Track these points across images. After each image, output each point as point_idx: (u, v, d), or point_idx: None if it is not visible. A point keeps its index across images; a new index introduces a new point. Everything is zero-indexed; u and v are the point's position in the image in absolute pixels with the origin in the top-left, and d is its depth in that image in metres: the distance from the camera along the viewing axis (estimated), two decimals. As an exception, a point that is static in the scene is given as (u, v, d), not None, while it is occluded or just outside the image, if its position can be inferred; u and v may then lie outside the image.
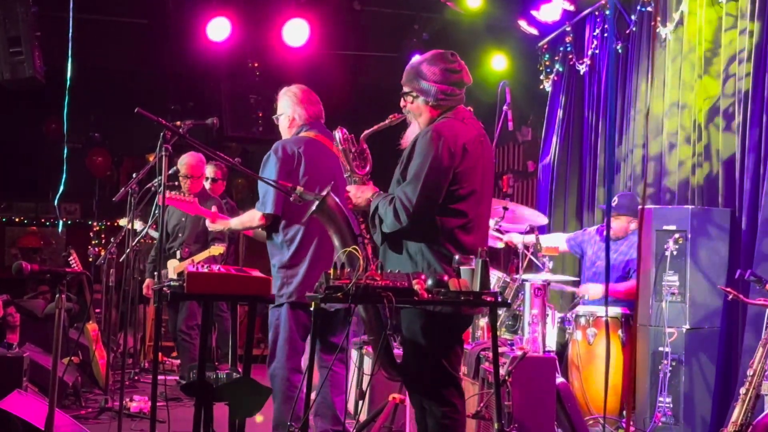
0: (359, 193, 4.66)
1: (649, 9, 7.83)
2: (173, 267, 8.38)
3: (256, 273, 4.79)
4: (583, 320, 6.84)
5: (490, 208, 4.88)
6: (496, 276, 6.60)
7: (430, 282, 4.26)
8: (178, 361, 9.46)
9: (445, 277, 4.28)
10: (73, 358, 8.11)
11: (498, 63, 10.48)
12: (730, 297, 5.43)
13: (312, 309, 4.31)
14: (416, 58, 4.84)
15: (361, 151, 4.78)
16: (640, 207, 7.03)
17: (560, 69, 9.79)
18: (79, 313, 10.03)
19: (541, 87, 10.20)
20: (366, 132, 4.78)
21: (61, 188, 9.46)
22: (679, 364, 6.32)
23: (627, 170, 8.23)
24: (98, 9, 10.56)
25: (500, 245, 7.55)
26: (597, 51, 8.91)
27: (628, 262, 7.29)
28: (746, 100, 6.40)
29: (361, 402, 6.62)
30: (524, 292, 6.22)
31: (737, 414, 5.06)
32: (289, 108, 5.93)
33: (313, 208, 4.75)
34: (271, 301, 4.87)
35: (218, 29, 10.45)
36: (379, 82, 11.64)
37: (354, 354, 7.34)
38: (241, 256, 10.48)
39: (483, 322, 6.55)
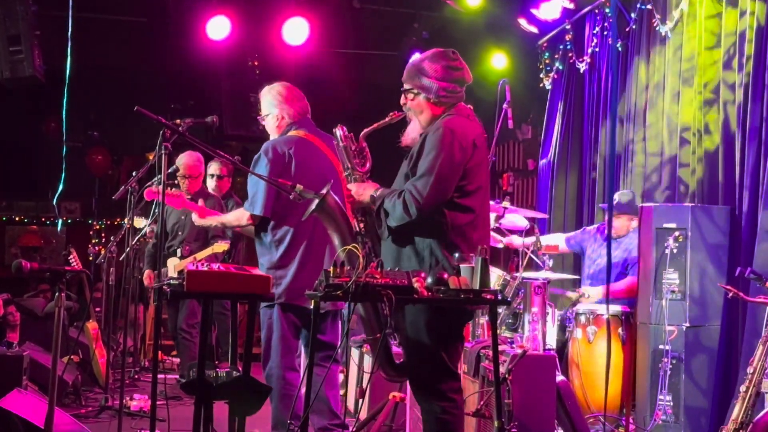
0: (361, 190, 4.67)
1: (648, 6, 7.83)
2: (174, 265, 8.36)
3: (256, 271, 4.79)
4: (583, 318, 6.84)
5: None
6: (496, 274, 6.59)
7: (429, 280, 4.27)
8: (178, 360, 9.45)
9: (445, 275, 4.29)
10: (73, 356, 8.11)
11: (498, 61, 10.48)
12: (730, 295, 5.42)
13: (312, 307, 4.31)
14: (417, 56, 4.86)
15: (361, 150, 4.79)
16: (640, 205, 7.03)
17: (560, 67, 9.79)
18: (79, 312, 10.02)
19: (541, 85, 10.20)
20: (366, 130, 4.78)
21: (61, 187, 9.46)
22: (679, 362, 6.32)
23: (627, 168, 8.22)
24: (98, 8, 10.56)
25: (500, 246, 7.55)
26: (597, 49, 8.90)
27: (626, 260, 7.29)
28: (746, 98, 6.40)
29: (361, 400, 6.63)
30: (524, 290, 6.22)
31: (737, 412, 5.06)
32: (275, 107, 5.89)
33: (313, 206, 4.75)
34: (271, 299, 4.88)
35: (218, 28, 10.46)
36: (378, 81, 11.65)
37: (354, 352, 7.35)
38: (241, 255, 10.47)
39: (483, 320, 6.55)
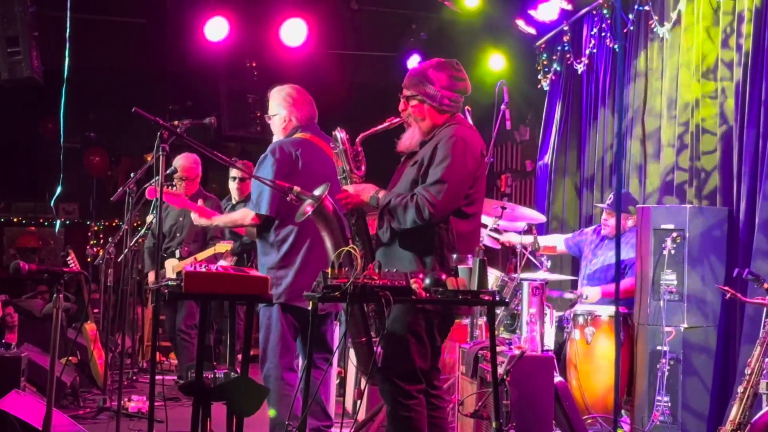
0: (359, 191, 4.67)
1: (646, 8, 7.83)
2: (172, 266, 8.37)
3: (254, 272, 4.79)
4: (581, 319, 6.84)
5: None
6: (494, 275, 6.60)
7: (427, 281, 4.27)
8: (176, 361, 9.45)
9: (443, 276, 4.30)
10: (71, 357, 8.11)
11: (496, 62, 10.48)
12: (728, 296, 5.43)
13: (310, 308, 4.32)
14: (419, 64, 4.90)
15: (356, 154, 4.81)
16: (638, 206, 7.04)
17: (558, 68, 9.79)
18: (77, 313, 10.02)
19: (539, 86, 10.20)
20: (363, 134, 4.80)
21: (59, 188, 9.46)
22: (677, 363, 6.32)
23: (624, 169, 8.22)
24: (96, 8, 10.56)
25: (498, 244, 7.56)
26: (595, 50, 8.91)
27: (623, 260, 7.29)
28: (743, 99, 6.40)
29: (359, 402, 6.63)
30: (522, 291, 6.22)
31: (735, 412, 5.07)
32: (283, 109, 5.89)
33: (310, 210, 4.76)
34: (269, 301, 4.88)
35: (216, 29, 10.45)
36: (376, 82, 11.67)
37: (353, 354, 7.34)
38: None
39: (481, 321, 6.55)
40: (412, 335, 4.53)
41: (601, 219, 7.69)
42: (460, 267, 4.36)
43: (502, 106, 6.90)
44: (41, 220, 16.40)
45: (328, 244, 4.80)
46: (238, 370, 4.81)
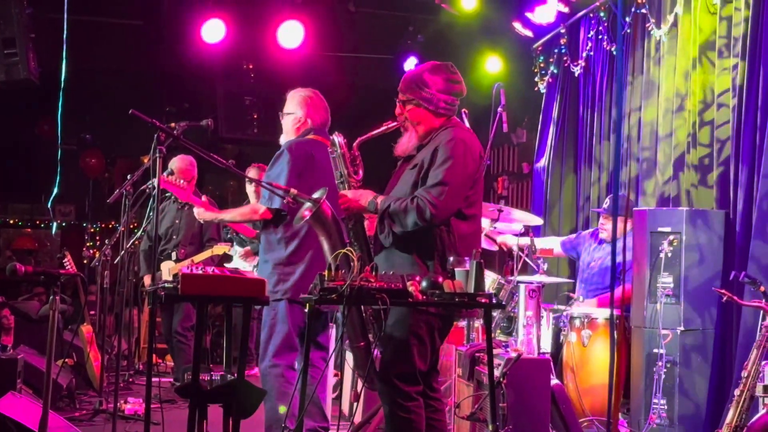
0: (357, 197, 4.67)
1: (643, 11, 7.84)
2: (168, 269, 8.36)
3: (251, 274, 4.78)
4: (577, 322, 6.84)
5: None
6: (490, 278, 6.60)
7: (424, 284, 4.27)
8: (173, 363, 9.44)
9: (440, 279, 4.30)
10: (67, 360, 8.10)
11: (493, 65, 10.49)
12: (725, 299, 5.43)
13: (307, 311, 4.31)
14: (415, 67, 4.90)
15: (354, 158, 4.81)
16: (635, 209, 7.04)
17: (555, 71, 9.80)
18: (74, 315, 10.01)
19: (536, 89, 10.20)
20: (360, 138, 4.79)
21: (55, 190, 9.45)
22: (674, 366, 6.32)
23: (622, 172, 8.23)
24: (93, 10, 10.55)
25: (495, 248, 7.56)
26: (591, 53, 8.92)
27: (620, 264, 7.28)
28: (740, 103, 6.41)
29: (356, 404, 6.63)
30: (519, 294, 6.23)
31: (732, 416, 5.06)
32: (301, 109, 5.90)
33: (309, 215, 4.76)
34: (265, 303, 4.87)
35: (213, 31, 10.44)
36: (373, 84, 11.66)
37: (349, 356, 7.34)
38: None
39: (478, 323, 6.55)
40: (414, 337, 4.52)
41: (598, 223, 7.69)
42: (456, 269, 4.36)
43: (499, 109, 6.89)
44: (37, 222, 16.40)
45: (326, 248, 4.80)
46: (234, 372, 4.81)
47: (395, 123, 4.78)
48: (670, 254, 6.41)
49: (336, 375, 7.52)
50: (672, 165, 7.27)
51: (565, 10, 9.11)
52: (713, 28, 6.86)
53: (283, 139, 5.96)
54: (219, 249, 8.25)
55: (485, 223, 6.93)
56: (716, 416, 6.18)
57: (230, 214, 6.30)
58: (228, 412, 4.68)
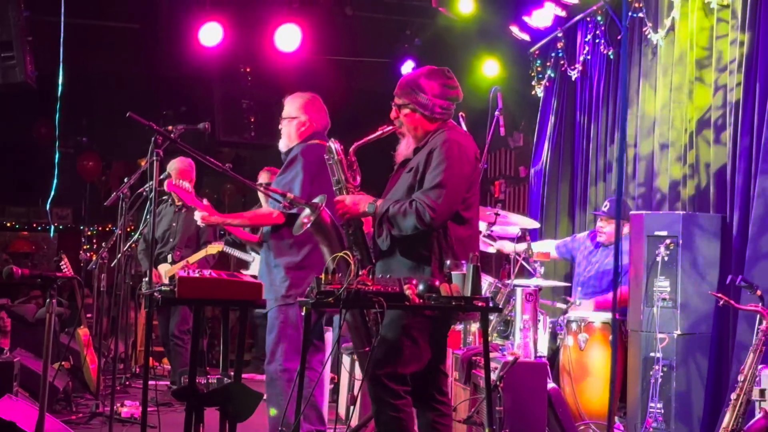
0: (355, 201, 4.67)
1: (640, 15, 7.84)
2: (165, 271, 8.36)
3: (248, 278, 4.79)
4: (574, 326, 6.85)
5: None
6: (487, 281, 6.60)
7: (421, 287, 4.27)
8: (169, 366, 9.44)
9: (437, 282, 4.30)
10: (64, 363, 8.09)
11: (490, 68, 10.49)
12: (721, 303, 5.43)
13: (304, 314, 4.32)
14: (410, 72, 4.90)
15: (350, 164, 4.81)
16: (632, 212, 7.04)
17: (552, 75, 9.81)
18: (70, 318, 10.00)
19: (533, 93, 10.21)
20: (356, 144, 4.80)
21: (53, 193, 9.44)
22: (671, 370, 6.32)
23: (618, 176, 8.22)
24: (90, 14, 10.54)
25: (491, 250, 7.56)
26: (588, 57, 8.92)
27: (618, 267, 7.28)
28: (737, 105, 6.41)
29: (352, 407, 6.63)
30: (515, 298, 6.23)
31: (728, 419, 5.07)
32: (304, 114, 5.88)
33: (308, 221, 4.76)
34: (262, 306, 4.87)
35: (210, 34, 10.44)
36: (371, 88, 11.66)
37: (346, 359, 7.35)
38: (232, 262, 10.45)
39: (474, 327, 6.55)
40: (408, 338, 4.53)
41: (596, 226, 7.69)
42: (453, 273, 4.36)
43: (496, 113, 6.90)
44: (34, 225, 16.39)
45: (326, 255, 4.79)
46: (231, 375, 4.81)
47: (391, 127, 4.79)
48: (666, 258, 6.41)
49: (333, 378, 7.52)
50: (669, 168, 7.27)
51: (562, 14, 9.12)
52: (711, 31, 6.87)
53: (285, 145, 5.92)
54: (213, 249, 8.25)
55: (482, 226, 6.94)
56: (713, 420, 6.18)
57: (238, 219, 6.20)
58: (224, 416, 4.69)
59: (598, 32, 8.65)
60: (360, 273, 4.26)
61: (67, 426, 6.22)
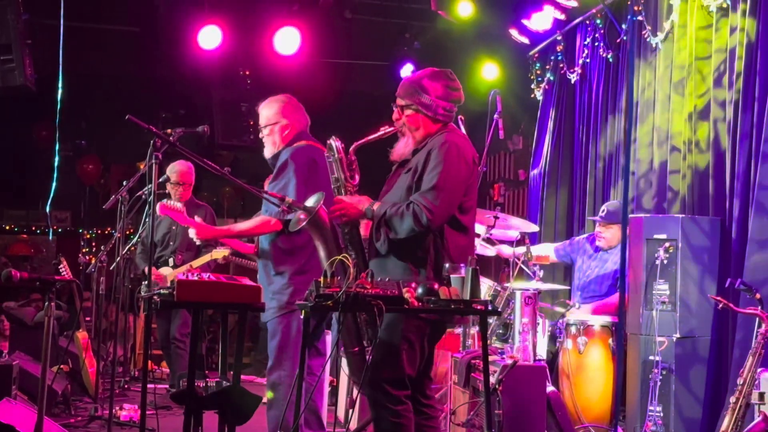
0: (354, 203, 4.66)
1: (639, 18, 7.85)
2: (167, 274, 8.35)
3: (246, 281, 4.78)
4: (573, 329, 6.84)
5: None
6: (486, 284, 6.60)
7: (420, 290, 4.27)
8: (168, 370, 9.44)
9: (436, 285, 4.30)
10: (62, 366, 8.09)
11: (489, 72, 10.49)
12: (720, 306, 5.43)
13: (303, 318, 4.31)
14: (413, 73, 4.89)
15: (350, 163, 4.81)
16: (631, 216, 7.04)
17: (551, 78, 9.82)
18: (69, 321, 10.00)
19: (532, 96, 10.22)
20: (357, 143, 4.79)
21: (52, 196, 9.44)
22: (670, 373, 6.32)
23: (618, 179, 8.22)
24: (89, 17, 10.54)
25: (490, 253, 7.56)
26: (588, 60, 8.93)
27: (617, 271, 7.29)
28: (737, 108, 6.42)
29: (351, 411, 6.63)
30: (515, 301, 6.23)
31: (727, 423, 5.06)
32: (284, 117, 5.80)
33: (305, 222, 4.76)
34: (260, 309, 4.86)
35: (209, 37, 10.43)
36: (370, 91, 11.66)
37: (344, 363, 7.34)
38: (230, 266, 10.45)
39: (474, 330, 6.55)
40: (405, 341, 4.52)
41: (594, 230, 7.68)
42: (452, 276, 4.36)
43: (495, 116, 6.91)
44: (33, 228, 16.38)
45: (322, 253, 4.79)
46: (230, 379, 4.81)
47: (392, 128, 4.79)
48: (665, 261, 6.41)
49: (331, 382, 7.51)
50: (668, 171, 7.27)
51: (562, 17, 9.12)
52: (710, 34, 6.87)
53: (271, 151, 5.82)
54: (217, 253, 8.23)
55: (481, 229, 6.94)
56: (712, 423, 6.19)
57: (235, 232, 6.10)
58: (223, 419, 4.69)
59: (597, 35, 8.66)
60: (359, 276, 4.25)
61: (65, 429, 6.21)
